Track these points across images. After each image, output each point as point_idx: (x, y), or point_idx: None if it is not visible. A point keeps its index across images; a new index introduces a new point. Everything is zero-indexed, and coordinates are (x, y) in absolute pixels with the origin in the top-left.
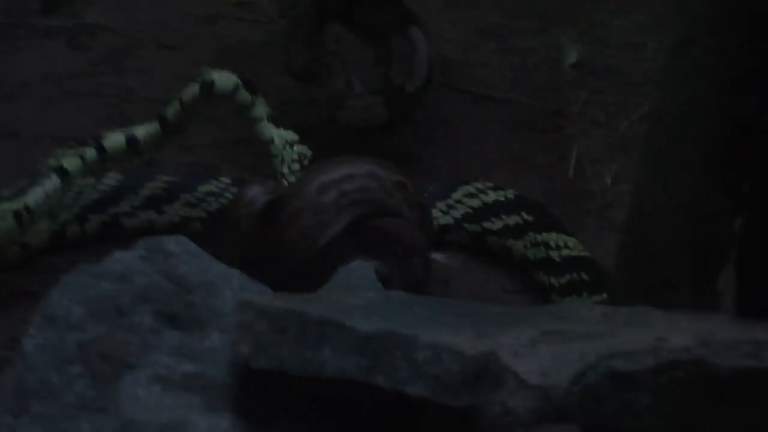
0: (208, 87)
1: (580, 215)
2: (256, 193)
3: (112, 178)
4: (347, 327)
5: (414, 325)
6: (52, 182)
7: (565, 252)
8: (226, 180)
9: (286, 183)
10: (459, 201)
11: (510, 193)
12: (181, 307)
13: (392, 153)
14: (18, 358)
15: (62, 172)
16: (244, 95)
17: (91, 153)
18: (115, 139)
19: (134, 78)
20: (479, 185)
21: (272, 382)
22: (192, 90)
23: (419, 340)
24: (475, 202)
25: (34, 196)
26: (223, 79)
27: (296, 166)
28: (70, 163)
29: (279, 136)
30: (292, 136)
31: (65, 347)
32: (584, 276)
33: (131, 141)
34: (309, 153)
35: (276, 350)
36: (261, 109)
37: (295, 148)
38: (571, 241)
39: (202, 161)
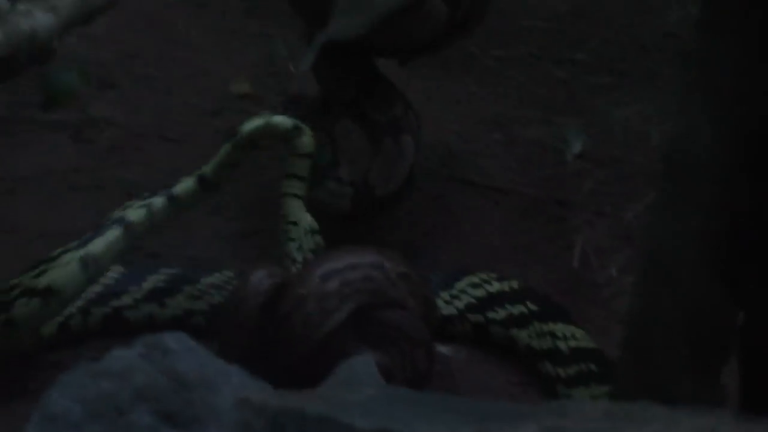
0: (269, 126)
1: (586, 306)
2: (261, 277)
3: (115, 272)
4: (345, 424)
5: (413, 423)
6: (115, 233)
7: (572, 343)
8: (229, 273)
9: (294, 269)
10: (463, 291)
11: (514, 284)
12: (179, 405)
13: (396, 243)
14: None
15: (126, 223)
16: (308, 141)
17: (157, 202)
18: (185, 186)
19: (138, 171)
20: (484, 275)
21: None
22: (250, 127)
23: None
24: (479, 293)
25: (96, 246)
26: (285, 121)
27: (311, 256)
28: (135, 213)
29: (304, 220)
30: (314, 224)
31: None
32: (592, 367)
33: (203, 180)
34: (323, 245)
35: None
36: (300, 186)
37: (314, 237)
38: (579, 332)
39: (205, 254)
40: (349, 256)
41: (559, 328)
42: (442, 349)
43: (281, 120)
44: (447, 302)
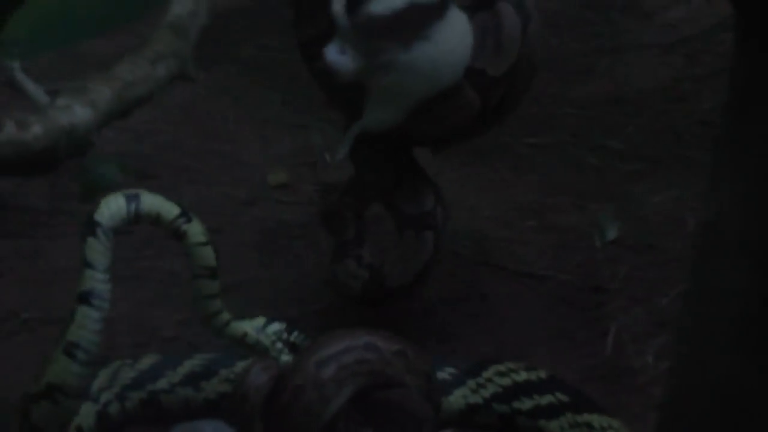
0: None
1: (621, 393)
2: (257, 372)
3: (150, 358)
4: None
5: None
6: (82, 310)
7: None
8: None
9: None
10: (489, 380)
11: (542, 374)
12: None
13: (430, 329)
14: None
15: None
16: (198, 228)
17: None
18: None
19: (176, 261)
20: (511, 365)
21: None
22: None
23: None
24: (505, 381)
25: (72, 332)
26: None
27: (279, 345)
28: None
29: (249, 325)
30: (260, 320)
31: None
32: None
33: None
34: (295, 335)
35: None
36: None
37: (269, 329)
38: (615, 423)
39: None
40: (341, 340)
41: (595, 419)
42: None
43: (164, 206)
44: (473, 391)
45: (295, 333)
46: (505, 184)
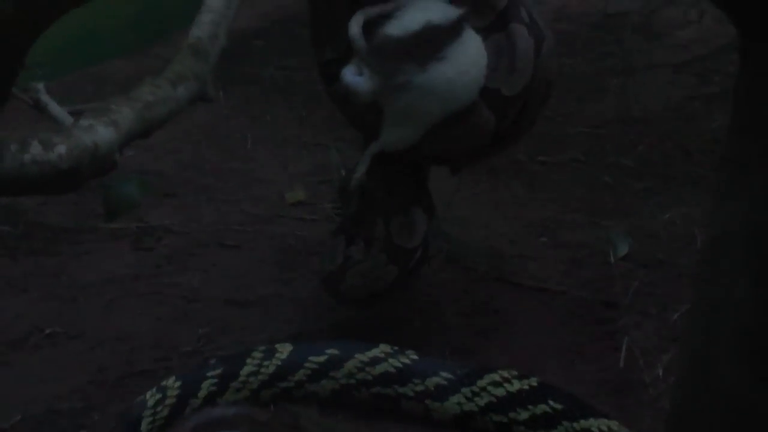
0: None
1: (633, 405)
2: None
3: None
4: None
5: None
6: None
7: None
8: (386, 348)
9: None
10: (484, 389)
11: (534, 381)
12: None
13: (446, 345)
14: None
15: None
16: None
17: None
18: None
19: (197, 277)
20: (505, 373)
21: None
22: None
23: None
24: (499, 392)
25: None
26: None
27: None
28: None
29: None
30: None
31: None
32: None
33: None
34: None
35: None
36: None
37: None
38: (614, 424)
39: None
40: None
41: (593, 424)
42: None
43: None
44: (468, 399)
45: None
46: (519, 201)
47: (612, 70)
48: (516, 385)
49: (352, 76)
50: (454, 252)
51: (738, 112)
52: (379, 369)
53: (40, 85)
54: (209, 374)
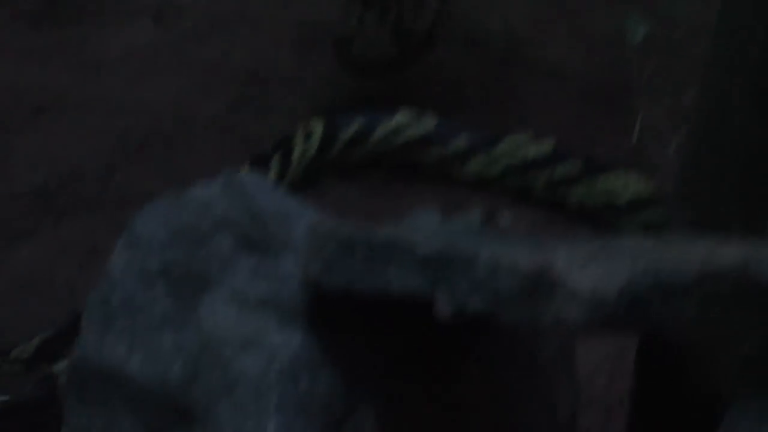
0: None
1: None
2: None
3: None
4: (410, 244)
5: (473, 246)
6: None
7: (632, 189)
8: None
9: None
10: (503, 155)
11: (549, 145)
12: (258, 233)
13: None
14: (104, 278)
15: None
16: None
17: None
18: None
19: (217, 53)
20: (521, 136)
21: (341, 301)
22: None
23: (479, 258)
24: (518, 155)
25: None
26: None
27: None
28: None
29: None
30: None
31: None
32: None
33: None
34: None
35: (344, 270)
36: None
37: None
38: (632, 175)
39: None
40: None
41: (611, 178)
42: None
43: None
44: (486, 165)
45: None
46: None
47: None
48: (533, 149)
49: None
50: (471, 34)
51: None
52: (403, 136)
53: None
54: None
